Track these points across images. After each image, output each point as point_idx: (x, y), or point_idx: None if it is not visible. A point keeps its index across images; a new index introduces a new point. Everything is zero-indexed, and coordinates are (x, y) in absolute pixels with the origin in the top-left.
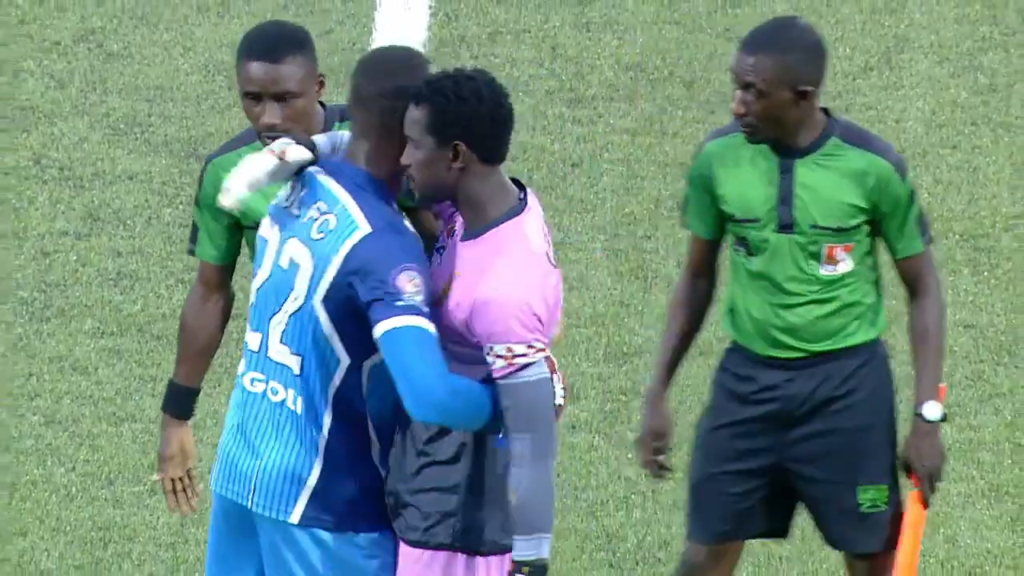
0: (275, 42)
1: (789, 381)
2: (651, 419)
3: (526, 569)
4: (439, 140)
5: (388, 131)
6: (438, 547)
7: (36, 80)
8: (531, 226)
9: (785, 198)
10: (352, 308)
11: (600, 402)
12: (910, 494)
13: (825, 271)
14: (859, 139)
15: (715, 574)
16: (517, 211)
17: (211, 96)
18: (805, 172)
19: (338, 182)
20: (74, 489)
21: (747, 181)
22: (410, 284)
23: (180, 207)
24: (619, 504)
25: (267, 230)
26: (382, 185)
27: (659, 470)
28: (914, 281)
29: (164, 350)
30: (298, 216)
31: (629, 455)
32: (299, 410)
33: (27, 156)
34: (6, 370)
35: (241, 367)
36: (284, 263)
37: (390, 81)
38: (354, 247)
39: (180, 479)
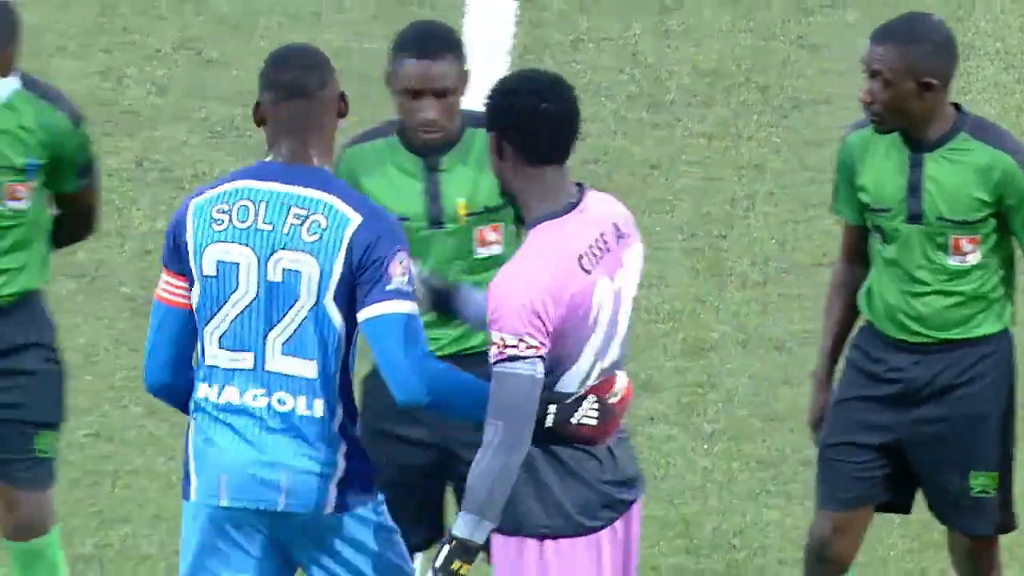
0: (433, 41)
1: (915, 364)
2: (818, 402)
3: (454, 543)
4: (492, 136)
5: (326, 123)
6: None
7: (138, 86)
8: (571, 229)
9: (914, 190)
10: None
11: (677, 395)
12: None
13: (954, 261)
14: (987, 134)
15: (842, 544)
16: (558, 213)
17: None
18: (933, 165)
19: (303, 185)
20: (173, 477)
21: (881, 172)
22: (400, 268)
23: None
24: (695, 493)
25: (231, 253)
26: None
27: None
28: None
29: None
30: (274, 229)
31: (705, 445)
32: (317, 412)
33: (130, 159)
34: (109, 364)
35: (211, 392)
36: (276, 277)
37: (317, 75)
38: (353, 237)
39: None
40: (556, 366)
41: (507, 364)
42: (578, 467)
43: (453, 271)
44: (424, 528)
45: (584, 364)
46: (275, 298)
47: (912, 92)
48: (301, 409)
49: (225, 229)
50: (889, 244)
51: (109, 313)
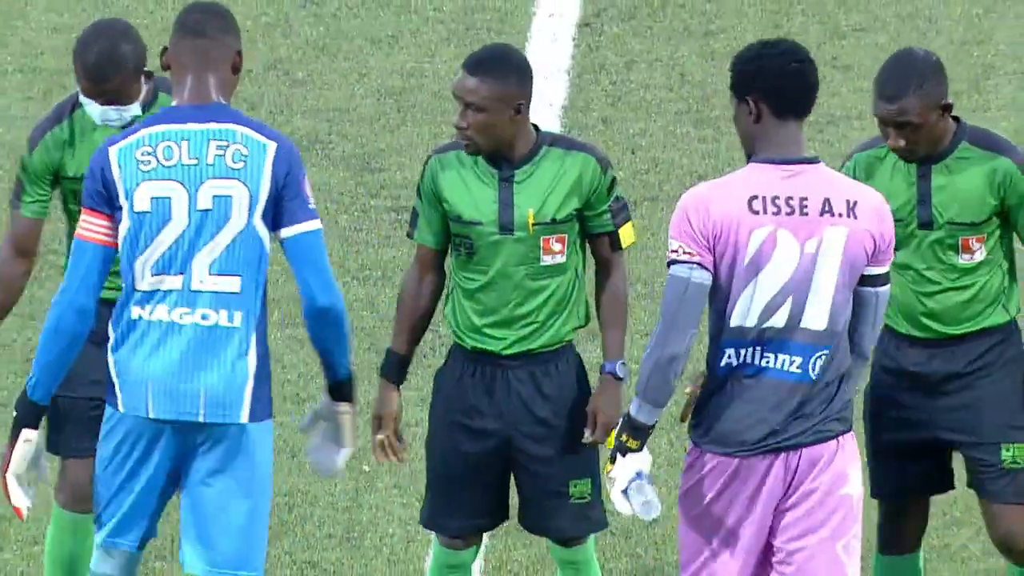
0: (480, 59)
1: (932, 359)
2: None
3: (624, 418)
4: (747, 100)
5: (223, 67)
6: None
7: (233, 104)
8: (768, 176)
9: (923, 199)
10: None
11: None
12: None
13: (963, 260)
14: (986, 141)
15: (904, 526)
16: (772, 160)
17: (383, 117)
18: (939, 176)
19: (217, 121)
20: None
21: (891, 185)
22: (309, 188)
23: (355, 213)
24: None
25: (162, 190)
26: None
27: None
28: None
29: None
30: (199, 163)
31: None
32: (237, 323)
33: None
34: None
35: (144, 312)
36: (207, 204)
37: (218, 21)
38: (274, 162)
39: (389, 436)
40: (713, 295)
41: (670, 267)
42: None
43: (518, 275)
44: (490, 511)
45: (742, 306)
46: (206, 224)
47: (937, 119)
48: (223, 321)
49: (154, 168)
50: (901, 250)
51: None
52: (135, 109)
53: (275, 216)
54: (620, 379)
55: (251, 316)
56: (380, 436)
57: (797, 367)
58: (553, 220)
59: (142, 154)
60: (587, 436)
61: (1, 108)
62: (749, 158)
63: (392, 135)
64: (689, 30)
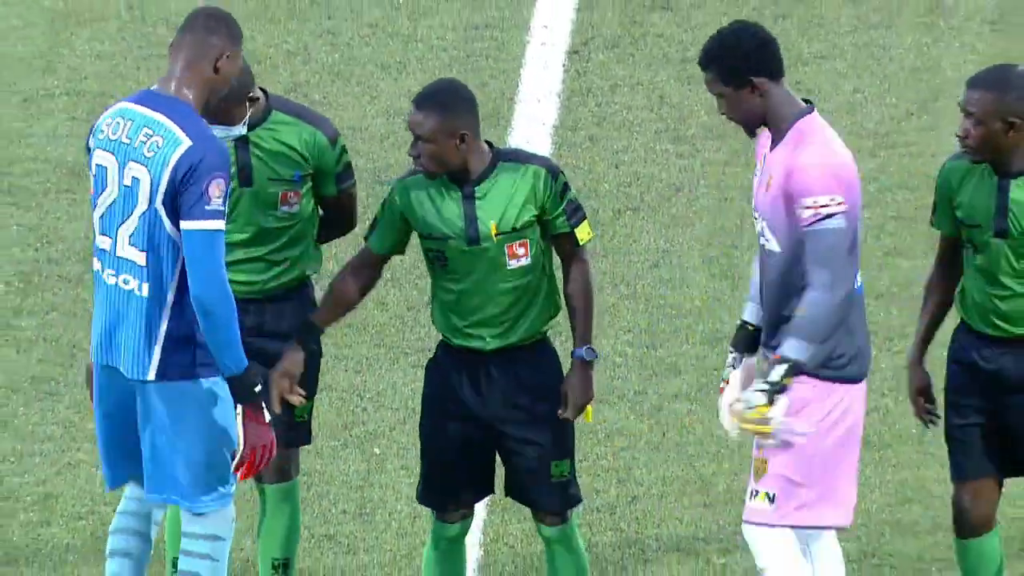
0: (425, 95)
1: (1002, 355)
2: (915, 381)
3: (791, 363)
4: (745, 87)
5: (203, 65)
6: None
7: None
8: (824, 121)
9: (1001, 210)
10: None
11: (697, 376)
12: None
13: None
14: None
15: (980, 507)
16: (808, 111)
17: (392, 135)
18: (1017, 190)
19: (159, 112)
20: None
21: (974, 194)
22: (217, 190)
23: (366, 221)
24: (712, 457)
25: (104, 159)
26: (193, 108)
27: (929, 416)
28: None
29: (355, 334)
30: (130, 143)
31: (719, 418)
32: (145, 294)
33: None
34: None
35: (97, 265)
36: (128, 181)
37: (214, 23)
38: (180, 158)
39: (284, 388)
40: (851, 246)
41: (824, 221)
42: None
43: (489, 280)
44: (475, 488)
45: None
46: (127, 198)
47: (1001, 128)
48: (136, 290)
49: (104, 139)
50: (979, 254)
51: None
52: (239, 129)
53: (174, 208)
54: (588, 362)
55: (161, 289)
56: (276, 390)
57: None
58: (514, 228)
59: (105, 124)
60: (561, 413)
61: (49, 128)
62: (752, 135)
63: (400, 151)
64: (667, 57)
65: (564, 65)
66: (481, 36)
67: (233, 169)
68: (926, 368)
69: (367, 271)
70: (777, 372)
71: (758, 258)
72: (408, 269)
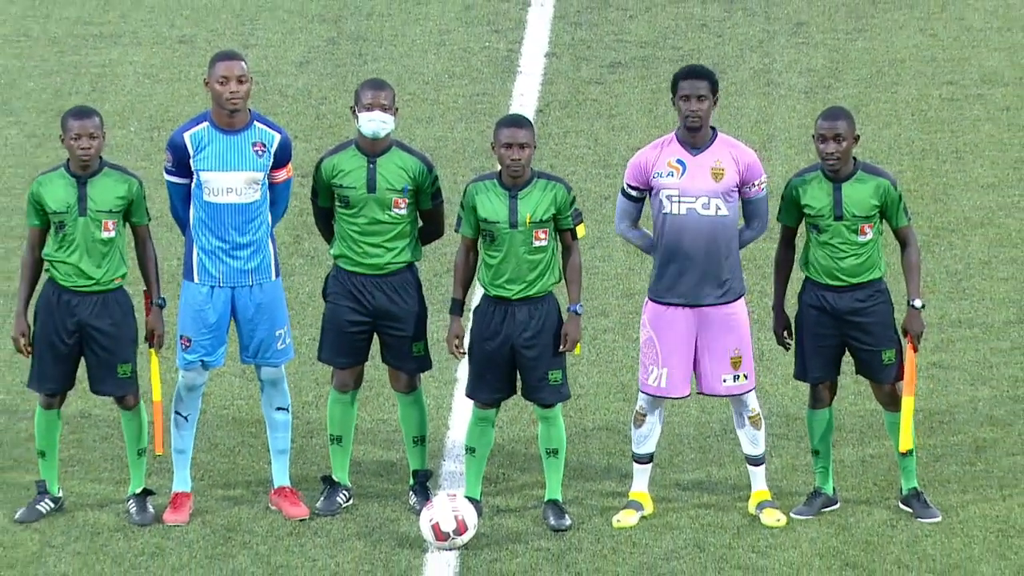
0: (516, 119)
1: (841, 297)
2: (780, 321)
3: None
4: (713, 101)
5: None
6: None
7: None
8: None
9: (837, 203)
10: None
11: (619, 317)
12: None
13: (860, 238)
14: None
15: (822, 393)
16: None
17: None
18: (847, 188)
19: None
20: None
21: (816, 195)
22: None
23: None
24: (633, 372)
25: None
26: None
27: (787, 343)
28: None
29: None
30: None
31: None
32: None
33: None
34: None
35: None
36: None
37: (242, 57)
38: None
39: (457, 341)
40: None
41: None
42: None
43: (520, 252)
44: (504, 388)
45: None
46: None
47: (851, 145)
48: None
49: None
50: (823, 233)
51: None
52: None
53: None
54: (578, 315)
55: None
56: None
57: None
58: (540, 220)
59: None
60: (561, 348)
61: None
62: (713, 130)
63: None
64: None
65: (541, 84)
66: (482, 101)
67: (364, 181)
68: (785, 311)
69: (471, 253)
70: None
71: (662, 226)
72: (432, 254)
